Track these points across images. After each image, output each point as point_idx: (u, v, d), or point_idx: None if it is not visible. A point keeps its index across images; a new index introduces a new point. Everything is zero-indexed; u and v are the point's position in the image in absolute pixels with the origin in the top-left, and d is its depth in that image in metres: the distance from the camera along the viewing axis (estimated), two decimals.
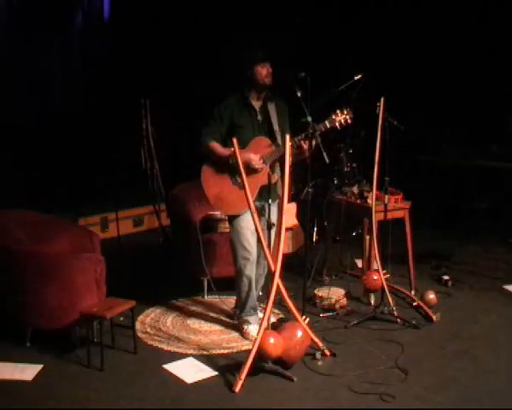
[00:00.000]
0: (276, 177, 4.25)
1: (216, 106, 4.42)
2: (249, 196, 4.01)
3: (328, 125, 4.31)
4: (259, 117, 4.44)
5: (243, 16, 7.57)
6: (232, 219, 4.42)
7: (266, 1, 7.53)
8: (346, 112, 4.32)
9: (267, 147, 4.35)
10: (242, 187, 4.02)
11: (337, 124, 4.32)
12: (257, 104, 4.45)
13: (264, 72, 4.34)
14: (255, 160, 4.28)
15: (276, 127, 4.41)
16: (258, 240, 4.14)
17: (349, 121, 4.34)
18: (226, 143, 4.35)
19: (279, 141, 4.35)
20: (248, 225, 4.29)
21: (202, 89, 7.35)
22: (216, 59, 7.59)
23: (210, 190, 4.38)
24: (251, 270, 4.42)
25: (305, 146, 4.25)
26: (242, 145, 4.28)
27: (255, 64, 4.33)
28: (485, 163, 6.96)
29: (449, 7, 7.03)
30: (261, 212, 4.41)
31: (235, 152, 4.01)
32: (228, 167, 4.29)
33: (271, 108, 4.44)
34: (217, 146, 4.34)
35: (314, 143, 4.24)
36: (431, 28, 7.14)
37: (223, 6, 7.70)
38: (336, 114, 4.31)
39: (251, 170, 4.27)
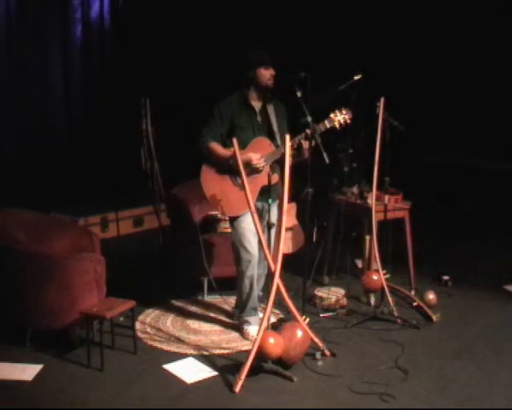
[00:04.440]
0: (276, 177, 4.24)
1: (215, 105, 4.41)
2: (249, 197, 4.01)
3: (327, 125, 4.31)
4: (259, 118, 4.43)
5: (243, 16, 7.57)
6: (233, 220, 4.40)
7: (266, 0, 7.53)
8: (344, 112, 4.33)
9: (267, 147, 4.35)
10: (243, 188, 4.03)
11: (336, 124, 4.33)
12: (257, 105, 4.44)
13: (267, 74, 4.33)
14: (255, 158, 4.26)
15: (275, 128, 4.40)
16: (259, 241, 4.15)
17: (348, 121, 4.34)
18: (225, 143, 4.34)
19: (278, 142, 4.35)
20: (250, 227, 4.28)
21: (202, 88, 7.35)
22: (216, 58, 7.59)
23: (210, 190, 4.36)
24: (253, 271, 4.41)
25: (306, 146, 4.25)
26: (242, 146, 4.27)
27: (259, 66, 4.32)
28: (486, 163, 6.97)
29: (450, 6, 7.02)
30: (262, 213, 4.42)
31: (235, 152, 4.00)
32: (228, 168, 4.28)
33: (270, 109, 4.43)
34: (217, 147, 4.32)
35: (314, 143, 4.24)
36: (431, 28, 7.14)
37: (223, 6, 7.70)
38: (335, 114, 4.32)
39: (251, 171, 4.27)
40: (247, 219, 4.28)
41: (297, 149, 4.31)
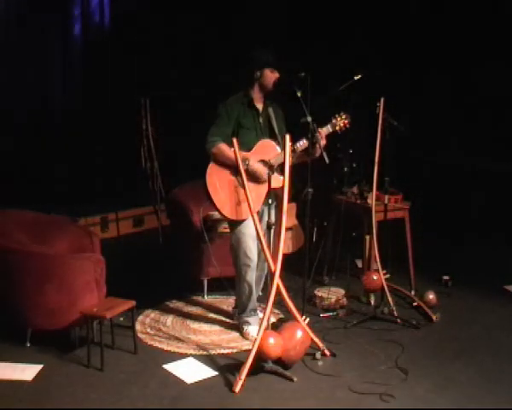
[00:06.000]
0: (281, 180, 4.19)
1: (221, 105, 4.36)
2: (250, 199, 4.01)
3: (330, 130, 4.39)
4: (261, 119, 4.43)
5: (244, 15, 7.57)
6: (234, 224, 4.37)
7: (265, 1, 7.52)
8: (344, 116, 4.41)
9: (273, 149, 4.34)
10: (250, 190, 4.03)
11: (338, 128, 4.42)
12: (259, 106, 4.44)
13: (273, 77, 4.33)
14: (264, 175, 4.24)
15: (276, 131, 4.40)
16: (259, 243, 4.14)
17: (348, 126, 4.42)
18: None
19: (280, 144, 4.34)
20: (250, 232, 4.27)
21: (203, 88, 7.35)
22: (216, 58, 7.59)
23: (215, 191, 4.28)
24: (251, 276, 4.41)
25: (323, 140, 4.29)
26: (246, 147, 4.25)
27: (266, 67, 4.32)
28: (486, 163, 6.97)
29: (450, 6, 7.02)
30: (262, 215, 4.42)
31: (235, 153, 4.00)
32: (235, 170, 4.22)
33: (271, 111, 4.43)
34: (227, 148, 4.23)
35: (317, 143, 4.26)
36: (432, 28, 7.14)
37: (223, 5, 7.69)
38: (336, 119, 4.40)
39: (256, 180, 4.27)
40: (248, 224, 4.27)
41: (310, 147, 4.30)
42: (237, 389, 3.66)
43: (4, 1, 6.74)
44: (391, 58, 7.13)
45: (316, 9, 7.44)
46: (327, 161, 4.20)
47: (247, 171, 4.13)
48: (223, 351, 4.22)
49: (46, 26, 7.18)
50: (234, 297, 4.72)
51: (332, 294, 4.97)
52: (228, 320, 4.74)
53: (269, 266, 4.05)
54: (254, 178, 4.25)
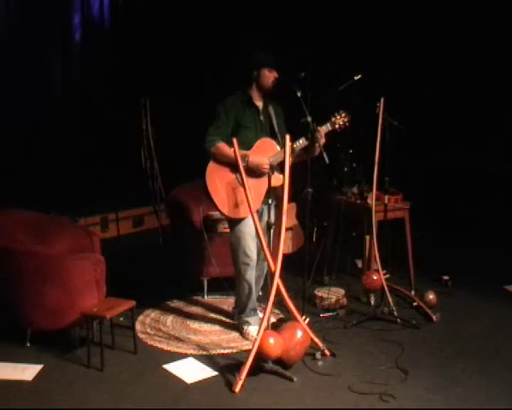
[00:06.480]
0: (280, 179, 4.20)
1: (219, 105, 4.36)
2: (250, 198, 4.01)
3: (330, 128, 4.37)
4: (262, 117, 4.43)
5: (244, 15, 7.57)
6: (233, 223, 4.37)
7: (264, 1, 7.52)
8: (344, 115, 4.39)
9: (273, 148, 4.34)
10: (248, 189, 4.02)
11: (337, 126, 4.40)
12: (259, 105, 4.44)
13: (271, 77, 4.34)
14: (267, 166, 4.25)
15: (276, 129, 4.41)
16: (259, 242, 4.14)
17: (347, 124, 4.41)
18: (229, 142, 4.31)
19: (281, 142, 4.34)
20: (249, 231, 4.27)
21: (202, 88, 7.36)
22: (216, 58, 7.59)
23: (215, 190, 4.28)
24: (251, 275, 4.41)
25: (322, 140, 4.28)
26: (246, 146, 4.25)
27: (264, 67, 4.32)
28: (486, 164, 6.98)
29: (449, 7, 7.02)
30: (261, 214, 4.42)
31: (235, 152, 4.00)
32: (234, 168, 4.22)
33: (271, 109, 4.44)
34: (227, 147, 4.23)
35: (316, 142, 4.26)
36: (432, 28, 7.14)
37: (223, 6, 7.70)
38: (335, 117, 4.39)
39: (259, 173, 4.27)
40: (247, 223, 4.27)
41: (309, 147, 4.30)
42: (237, 389, 3.66)
43: (4, 3, 6.74)
44: (391, 57, 7.13)
45: (316, 9, 7.45)
46: (327, 160, 4.19)
47: (246, 167, 4.13)
48: (223, 351, 4.22)
49: (46, 27, 7.18)
50: (234, 297, 4.73)
51: (332, 294, 4.97)
52: (228, 320, 4.74)
53: (269, 266, 4.05)
54: (255, 171, 4.24)
